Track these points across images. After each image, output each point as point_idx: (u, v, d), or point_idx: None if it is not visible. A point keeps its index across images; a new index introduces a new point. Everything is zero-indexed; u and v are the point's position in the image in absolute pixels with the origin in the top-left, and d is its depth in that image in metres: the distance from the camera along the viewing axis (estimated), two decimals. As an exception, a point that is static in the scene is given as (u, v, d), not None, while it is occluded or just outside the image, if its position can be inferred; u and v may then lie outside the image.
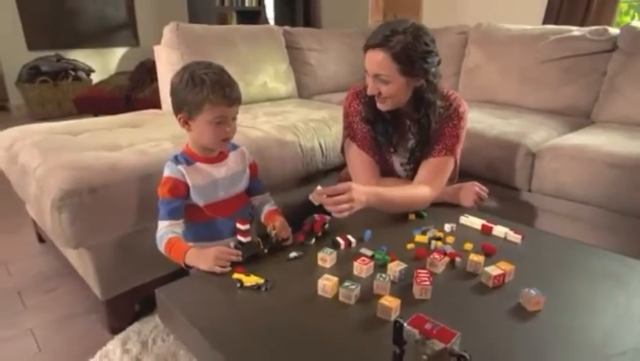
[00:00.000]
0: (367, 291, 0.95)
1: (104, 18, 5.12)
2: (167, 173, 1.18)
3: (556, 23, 2.78)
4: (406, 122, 1.41)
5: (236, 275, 0.99)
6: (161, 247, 1.15)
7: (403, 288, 0.97)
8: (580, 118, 2.15)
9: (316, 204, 1.11)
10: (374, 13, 4.09)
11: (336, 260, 1.07)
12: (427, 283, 0.93)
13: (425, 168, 1.37)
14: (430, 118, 1.34)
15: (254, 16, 5.05)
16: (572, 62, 2.18)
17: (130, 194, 1.30)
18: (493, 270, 0.99)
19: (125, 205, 1.30)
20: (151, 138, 1.62)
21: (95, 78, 4.85)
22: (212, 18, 4.69)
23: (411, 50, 1.22)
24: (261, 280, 0.97)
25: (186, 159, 1.20)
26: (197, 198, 1.19)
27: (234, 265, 1.03)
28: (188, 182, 1.17)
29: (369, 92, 1.31)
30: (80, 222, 1.21)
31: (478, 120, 1.96)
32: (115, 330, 1.39)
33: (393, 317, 0.86)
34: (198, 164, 1.20)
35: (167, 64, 2.17)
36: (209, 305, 0.93)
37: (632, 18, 3.42)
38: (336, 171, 1.91)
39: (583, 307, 0.92)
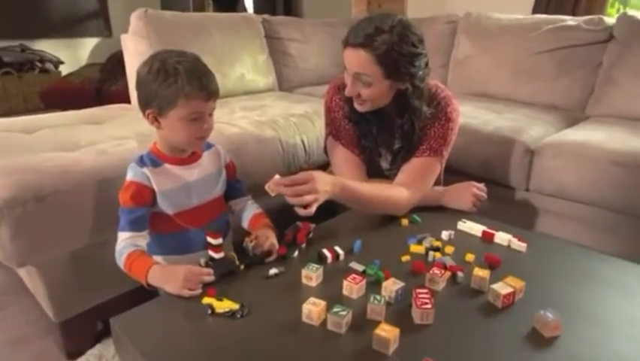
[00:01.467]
0: (360, 315, 0.82)
1: (73, 6, 4.84)
2: (129, 177, 1.03)
3: (546, 12, 2.69)
4: (390, 122, 1.28)
5: (206, 300, 0.85)
6: (121, 262, 0.99)
7: (400, 311, 0.85)
8: (574, 112, 2.06)
9: (272, 194, 0.98)
10: (358, 1, 3.94)
11: (322, 277, 0.94)
12: (429, 306, 0.81)
13: (406, 169, 1.25)
14: (414, 125, 1.22)
15: (231, 3, 4.85)
16: (567, 52, 2.08)
17: (86, 201, 1.14)
18: (502, 288, 0.87)
19: (80, 214, 1.13)
20: (115, 135, 1.46)
21: (65, 70, 4.59)
22: (186, 6, 4.48)
23: (396, 51, 1.08)
24: (236, 306, 0.83)
25: (153, 160, 1.05)
26: (165, 206, 1.05)
27: (205, 286, 0.89)
28: (155, 187, 1.02)
29: (348, 93, 1.17)
30: (25, 237, 1.04)
31: (470, 115, 1.85)
32: (72, 355, 1.23)
33: (391, 350, 0.74)
34: (167, 165, 1.05)
35: (136, 54, 1.99)
36: (173, 338, 0.79)
37: (617, 11, 3.36)
38: (320, 169, 1.77)
39: (603, 329, 0.80)
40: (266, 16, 2.58)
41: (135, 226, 1.01)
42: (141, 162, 1.04)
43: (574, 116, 1.99)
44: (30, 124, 1.60)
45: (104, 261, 1.22)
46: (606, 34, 2.03)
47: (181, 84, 0.95)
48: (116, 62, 3.78)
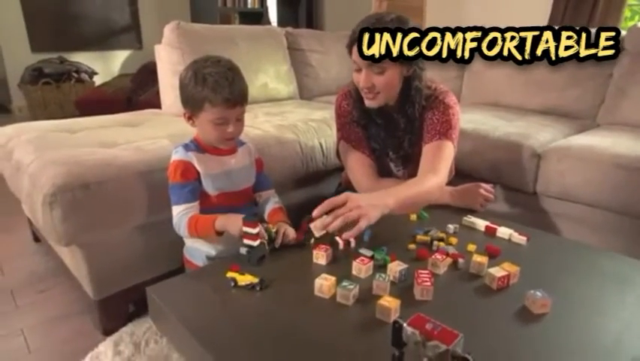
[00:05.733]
0: (366, 291, 0.91)
1: (108, 21, 5.13)
2: (176, 157, 1.16)
3: (561, 24, 2.75)
4: (396, 122, 1.37)
5: (230, 274, 0.95)
6: (183, 228, 1.12)
7: (403, 289, 0.93)
8: (585, 120, 2.12)
9: (317, 235, 1.03)
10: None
11: (331, 257, 1.04)
12: (428, 283, 0.90)
13: (423, 157, 1.32)
14: (414, 104, 1.31)
15: (256, 17, 5.05)
16: (578, 63, 2.13)
17: (125, 191, 1.27)
18: (497, 271, 0.95)
19: (119, 202, 1.26)
20: (148, 136, 1.60)
21: (98, 80, 4.84)
22: (214, 20, 4.71)
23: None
24: (256, 279, 0.94)
25: (197, 146, 1.19)
26: (209, 187, 1.17)
27: (229, 263, 1.00)
28: (199, 169, 1.15)
29: (363, 84, 1.26)
30: (73, 219, 1.18)
31: (481, 122, 1.93)
32: (107, 331, 1.36)
33: (392, 318, 0.82)
34: (209, 154, 1.19)
35: (168, 63, 2.15)
36: (202, 305, 0.90)
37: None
38: (337, 171, 1.88)
39: (591, 310, 0.87)
40: (289, 28, 2.71)
41: (188, 198, 1.14)
42: (187, 147, 1.17)
43: (584, 124, 2.04)
44: (72, 125, 1.76)
45: (139, 245, 1.36)
46: (617, 46, 2.08)
47: (206, 92, 1.09)
48: (147, 72, 3.98)
